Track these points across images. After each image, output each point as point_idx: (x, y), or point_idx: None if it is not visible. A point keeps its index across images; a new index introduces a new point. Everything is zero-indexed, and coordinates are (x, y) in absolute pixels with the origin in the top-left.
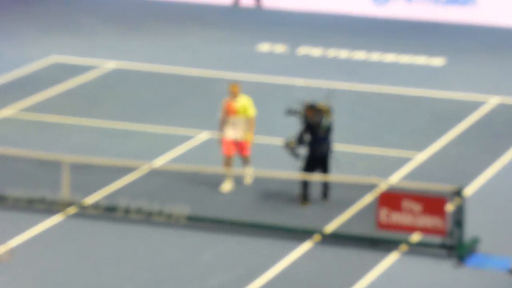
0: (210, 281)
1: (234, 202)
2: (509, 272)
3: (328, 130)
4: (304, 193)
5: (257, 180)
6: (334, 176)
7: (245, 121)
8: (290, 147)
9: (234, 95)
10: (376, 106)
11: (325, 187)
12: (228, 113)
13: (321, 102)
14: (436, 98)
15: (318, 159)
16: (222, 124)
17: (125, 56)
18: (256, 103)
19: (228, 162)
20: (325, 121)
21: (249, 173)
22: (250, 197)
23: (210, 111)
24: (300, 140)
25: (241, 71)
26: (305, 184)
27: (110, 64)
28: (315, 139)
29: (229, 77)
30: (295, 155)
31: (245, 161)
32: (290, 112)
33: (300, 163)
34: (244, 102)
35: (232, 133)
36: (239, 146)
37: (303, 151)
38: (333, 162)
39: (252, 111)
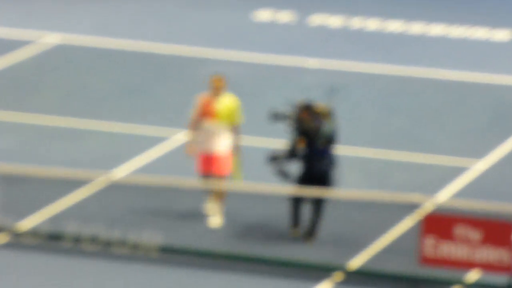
0: None
1: (221, 228)
2: None
3: (329, 139)
4: (295, 216)
5: (252, 198)
6: (360, 192)
7: (226, 129)
8: (277, 163)
9: (216, 92)
10: (418, 96)
11: (314, 219)
12: (205, 115)
13: (319, 102)
14: (500, 85)
15: (315, 179)
16: (193, 128)
17: (71, 27)
18: (251, 92)
19: (207, 180)
20: (325, 128)
21: (217, 210)
22: (244, 221)
23: (189, 104)
24: (291, 153)
25: (232, 48)
26: (296, 204)
27: (52, 38)
28: (312, 152)
29: (215, 56)
30: (284, 173)
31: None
32: (277, 116)
33: (290, 184)
34: (228, 103)
35: (204, 143)
36: (214, 162)
37: (296, 168)
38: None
39: (239, 116)
